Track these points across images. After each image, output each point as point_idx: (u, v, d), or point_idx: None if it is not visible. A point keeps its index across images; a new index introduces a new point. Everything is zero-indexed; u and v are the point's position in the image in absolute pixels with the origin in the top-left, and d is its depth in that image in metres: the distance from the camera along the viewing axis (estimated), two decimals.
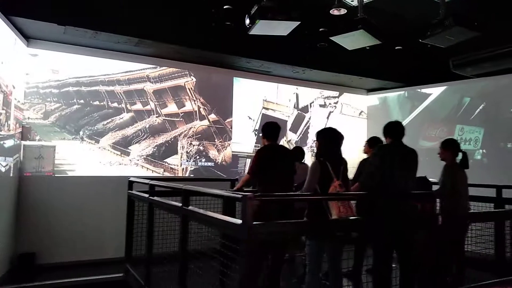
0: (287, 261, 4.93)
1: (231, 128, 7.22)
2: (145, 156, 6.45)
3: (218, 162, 7.07)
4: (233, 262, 2.41)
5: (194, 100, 6.92)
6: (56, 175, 5.70)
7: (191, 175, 6.77)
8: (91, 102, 6.13)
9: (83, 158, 5.95)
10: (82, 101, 6.06)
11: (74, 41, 5.69)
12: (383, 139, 3.86)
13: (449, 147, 3.96)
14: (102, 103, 6.22)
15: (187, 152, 6.80)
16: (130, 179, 4.60)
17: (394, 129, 3.63)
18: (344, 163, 3.32)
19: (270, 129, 3.82)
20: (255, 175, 3.63)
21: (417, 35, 4.91)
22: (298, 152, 5.41)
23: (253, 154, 4.37)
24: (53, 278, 4.85)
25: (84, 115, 6.08)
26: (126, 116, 6.38)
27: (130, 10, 5.27)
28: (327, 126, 7.75)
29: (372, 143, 4.53)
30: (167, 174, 6.58)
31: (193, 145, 6.87)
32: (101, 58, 6.11)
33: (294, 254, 5.00)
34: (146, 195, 3.91)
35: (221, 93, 7.21)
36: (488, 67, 5.92)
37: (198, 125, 6.94)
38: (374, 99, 8.75)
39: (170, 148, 6.67)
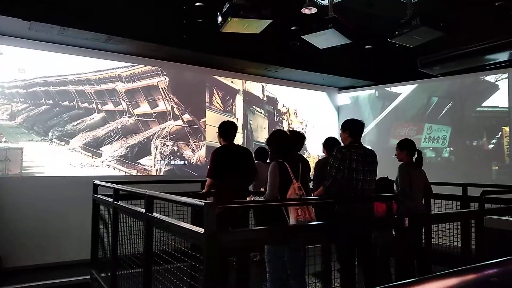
0: (257, 262, 4.90)
1: (205, 128, 7.19)
2: (117, 157, 6.33)
3: (192, 162, 7.02)
4: (200, 269, 2.37)
5: (168, 100, 6.85)
6: (22, 177, 5.52)
7: (166, 173, 6.70)
8: (60, 102, 5.97)
9: (52, 160, 5.79)
10: (50, 101, 5.90)
11: (41, 37, 5.53)
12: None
13: (404, 148, 4.03)
14: (71, 104, 6.07)
15: (160, 153, 6.72)
16: (94, 182, 4.47)
17: (354, 128, 3.53)
18: (304, 162, 3.29)
19: (226, 128, 3.76)
20: (215, 176, 3.59)
21: (386, 34, 5.04)
22: (261, 152, 5.41)
23: None
24: (20, 282, 4.70)
25: (53, 116, 5.92)
26: (97, 116, 6.25)
27: (99, 5, 5.17)
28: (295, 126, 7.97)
29: (326, 143, 4.57)
30: (140, 175, 6.48)
31: (167, 146, 6.80)
32: (70, 56, 5.96)
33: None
34: (111, 200, 3.77)
35: (195, 92, 7.17)
36: (454, 66, 6.14)
37: (172, 125, 6.87)
38: (346, 98, 8.90)
39: (143, 149, 6.57)
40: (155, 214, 2.83)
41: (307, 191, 3.22)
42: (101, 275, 4.10)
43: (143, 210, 2.91)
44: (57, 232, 5.51)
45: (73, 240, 5.49)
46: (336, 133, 8.22)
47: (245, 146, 7.34)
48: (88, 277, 4.48)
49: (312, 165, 4.62)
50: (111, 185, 3.85)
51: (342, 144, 3.64)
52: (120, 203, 3.64)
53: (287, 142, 3.22)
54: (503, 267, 1.20)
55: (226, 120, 3.97)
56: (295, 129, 6.88)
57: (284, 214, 2.95)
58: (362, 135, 3.61)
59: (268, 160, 5.26)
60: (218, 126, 3.86)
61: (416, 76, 7.15)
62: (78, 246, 5.31)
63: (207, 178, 3.75)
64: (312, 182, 4.30)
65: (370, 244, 3.52)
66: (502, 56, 5.92)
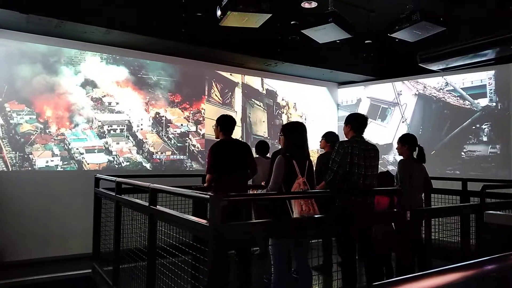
0: (259, 256, 4.92)
1: (204, 120, 7.18)
2: (115, 150, 6.33)
3: (191, 155, 7.03)
4: (203, 261, 2.39)
5: (165, 92, 6.83)
6: (21, 169, 5.52)
7: (165, 166, 6.70)
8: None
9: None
10: None
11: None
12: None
13: (405, 142, 4.04)
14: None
15: (158, 145, 6.72)
16: (96, 175, 4.48)
17: (358, 122, 3.54)
18: (309, 158, 3.25)
19: (225, 122, 3.75)
20: (214, 171, 3.58)
21: (386, 29, 5.02)
22: (262, 146, 5.39)
23: None
24: (20, 276, 4.70)
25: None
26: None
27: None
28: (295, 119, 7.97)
29: (328, 138, 4.57)
30: (138, 170, 6.48)
31: (165, 138, 6.79)
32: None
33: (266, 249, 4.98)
34: (113, 193, 3.80)
35: (193, 84, 7.14)
36: (453, 62, 6.11)
37: (170, 117, 6.86)
38: (346, 92, 8.88)
39: (140, 142, 6.57)
40: (158, 207, 2.86)
41: (312, 188, 3.23)
42: (103, 269, 4.11)
43: (147, 204, 2.93)
44: (56, 225, 5.50)
45: (73, 234, 5.47)
46: (335, 128, 8.25)
47: (244, 140, 7.35)
48: (89, 271, 4.49)
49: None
50: (113, 178, 3.88)
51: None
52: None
53: (302, 138, 3.23)
54: (503, 262, 1.20)
55: (224, 113, 3.95)
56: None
57: (288, 208, 2.95)
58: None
59: (268, 155, 5.27)
60: (216, 120, 3.82)
61: (416, 71, 7.13)
62: (77, 240, 5.33)
63: (207, 174, 3.72)
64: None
65: (371, 238, 3.54)
66: (502, 52, 5.89)
